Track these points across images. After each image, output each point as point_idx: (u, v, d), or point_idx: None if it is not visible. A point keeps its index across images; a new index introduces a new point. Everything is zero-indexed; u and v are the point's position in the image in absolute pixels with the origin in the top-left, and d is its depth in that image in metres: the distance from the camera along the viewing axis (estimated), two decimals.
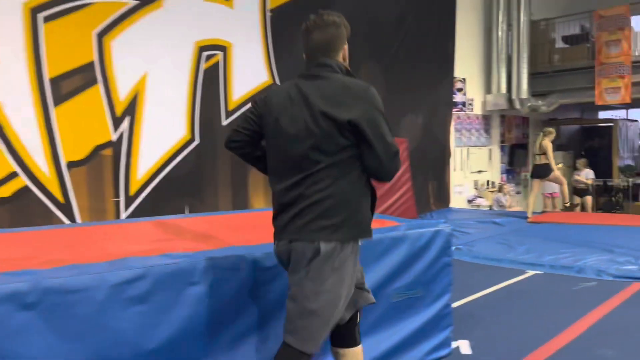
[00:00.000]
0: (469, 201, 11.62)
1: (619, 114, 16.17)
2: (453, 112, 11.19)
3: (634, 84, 10.60)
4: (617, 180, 12.83)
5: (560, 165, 11.37)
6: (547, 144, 8.78)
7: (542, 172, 8.79)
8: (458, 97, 11.39)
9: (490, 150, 12.47)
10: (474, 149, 11.93)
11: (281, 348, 1.96)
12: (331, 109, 1.95)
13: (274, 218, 2.10)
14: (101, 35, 5.59)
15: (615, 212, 12.43)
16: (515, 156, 13.34)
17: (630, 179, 12.77)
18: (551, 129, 9.12)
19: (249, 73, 7.03)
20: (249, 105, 2.42)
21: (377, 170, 2.02)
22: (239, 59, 6.90)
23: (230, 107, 6.82)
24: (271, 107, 2.10)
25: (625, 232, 6.74)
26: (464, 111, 11.61)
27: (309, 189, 1.95)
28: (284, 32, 7.41)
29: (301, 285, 1.94)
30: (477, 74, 11.97)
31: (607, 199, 12.79)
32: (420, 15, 9.84)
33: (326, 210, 1.93)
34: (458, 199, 11.37)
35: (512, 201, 11.10)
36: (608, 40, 10.80)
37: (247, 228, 3.45)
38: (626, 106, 15.35)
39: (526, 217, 8.31)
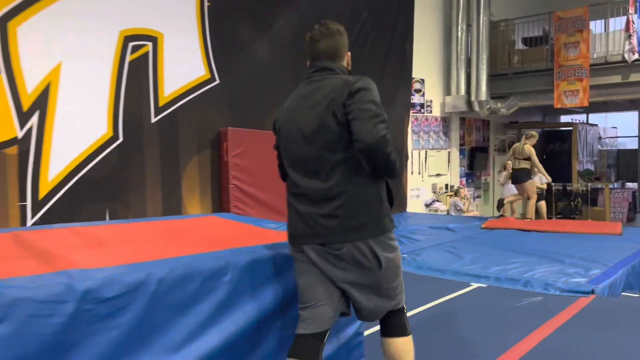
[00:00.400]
0: (427, 205, 11.29)
1: (580, 118, 16.16)
2: (411, 114, 10.84)
3: (593, 87, 10.43)
4: (577, 185, 12.69)
5: None
6: (530, 148, 8.58)
7: (520, 177, 8.60)
8: (416, 98, 11.06)
9: (449, 153, 12.17)
10: (433, 152, 11.61)
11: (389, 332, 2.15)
12: (333, 102, 2.05)
13: (300, 222, 2.17)
14: (5, 20, 4.98)
15: (574, 218, 12.28)
16: (476, 160, 13.10)
17: (590, 184, 12.65)
18: (533, 132, 8.89)
19: (184, 67, 6.50)
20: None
21: (367, 141, 2.07)
22: (172, 51, 6.36)
23: (162, 102, 6.28)
24: (282, 120, 2.29)
25: (579, 240, 6.45)
26: (422, 113, 11.27)
27: (335, 188, 2.06)
28: (224, 24, 6.90)
29: (377, 277, 2.12)
30: (436, 75, 11.66)
31: (566, 203, 12.64)
32: (376, 12, 9.45)
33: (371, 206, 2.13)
34: (415, 203, 11.02)
35: (469, 205, 10.80)
36: (567, 43, 10.62)
37: (155, 238, 2.94)
38: (587, 110, 15.33)
39: (481, 223, 8.00)
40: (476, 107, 11.49)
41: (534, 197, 8.73)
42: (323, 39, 2.24)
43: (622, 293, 4.69)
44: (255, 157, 7.13)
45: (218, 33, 6.86)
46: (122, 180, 5.88)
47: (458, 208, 10.45)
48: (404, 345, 2.15)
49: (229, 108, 7.04)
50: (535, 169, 8.67)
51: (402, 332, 2.18)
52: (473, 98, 11.45)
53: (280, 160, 2.36)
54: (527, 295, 4.35)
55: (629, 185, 15.15)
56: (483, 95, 11.35)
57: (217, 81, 6.87)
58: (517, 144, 8.93)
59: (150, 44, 6.14)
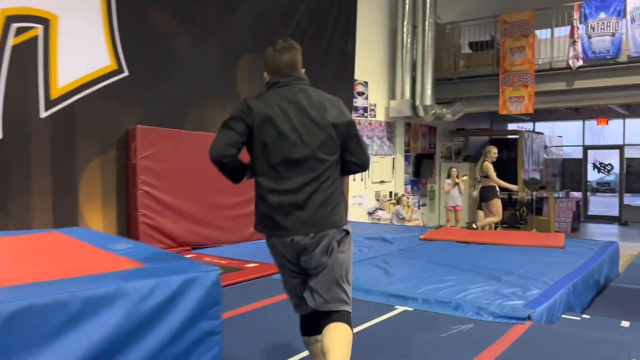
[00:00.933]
0: (369, 214, 10.75)
1: (527, 126, 16.06)
2: (354, 117, 10.26)
3: (538, 94, 10.15)
4: (522, 194, 12.43)
5: (464, 178, 10.76)
6: (488, 165, 8.48)
7: (485, 195, 8.54)
8: (359, 102, 10.52)
9: (393, 159, 11.69)
10: (376, 158, 11.08)
11: (330, 320, 2.33)
12: (328, 114, 2.40)
13: (279, 218, 2.32)
14: None
15: (519, 227, 12.01)
16: (422, 166, 12.68)
17: (535, 193, 12.42)
18: (491, 147, 8.77)
19: (84, 56, 5.69)
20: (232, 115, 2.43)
21: (364, 161, 2.50)
22: (68, 36, 5.55)
23: (54, 95, 5.45)
24: (264, 117, 2.35)
25: (519, 254, 5.98)
26: (366, 117, 10.74)
27: (321, 185, 2.34)
28: (136, 10, 6.14)
29: (335, 261, 2.36)
30: (381, 78, 11.17)
31: (512, 212, 12.36)
32: (315, 8, 8.85)
33: (338, 202, 2.42)
34: (358, 211, 10.45)
35: (412, 214, 10.31)
36: (512, 47, 10.32)
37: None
38: (533, 119, 15.23)
39: (421, 233, 7.49)
40: (421, 112, 11.06)
41: (499, 217, 8.53)
42: (285, 52, 2.53)
43: (562, 315, 4.20)
44: (171, 159, 6.37)
45: (128, 19, 6.08)
46: (2, 184, 5.02)
47: (400, 217, 9.94)
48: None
49: (140, 104, 6.27)
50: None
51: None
52: (418, 103, 11.01)
53: (253, 157, 2.43)
54: (456, 321, 3.77)
55: (574, 194, 15.09)
56: (428, 100, 10.93)
57: (126, 73, 6.09)
58: (478, 162, 8.81)
59: (40, 27, 5.31)
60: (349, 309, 2.42)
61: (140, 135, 6.07)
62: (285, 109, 2.36)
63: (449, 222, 10.39)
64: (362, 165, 2.49)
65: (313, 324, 2.44)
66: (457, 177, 10.31)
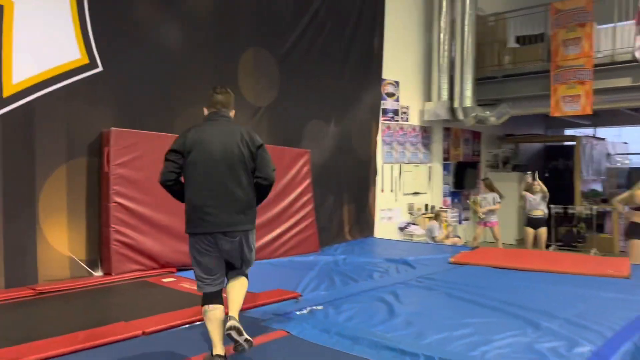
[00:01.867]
0: (401, 229, 9.59)
1: (588, 131, 14.40)
2: (382, 121, 9.20)
3: (597, 92, 8.74)
4: (580, 208, 10.91)
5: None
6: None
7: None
8: (389, 104, 9.43)
9: (430, 168, 10.49)
10: (409, 167, 9.94)
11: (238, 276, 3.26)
12: (249, 140, 3.20)
13: (204, 217, 3.09)
14: None
15: (576, 246, 10.49)
16: (466, 177, 11.40)
17: (595, 207, 10.86)
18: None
19: (46, 47, 4.94)
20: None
21: (269, 176, 3.26)
22: (27, 25, 4.81)
23: (7, 92, 4.70)
24: (195, 142, 3.16)
25: (571, 286, 4.74)
26: (396, 121, 9.63)
27: (239, 193, 3.14)
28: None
29: (248, 246, 3.24)
30: (414, 78, 10.03)
31: (568, 229, 10.86)
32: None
33: (249, 206, 3.20)
34: (387, 227, 9.33)
35: (449, 232, 9.07)
36: (566, 39, 8.96)
37: None
38: (594, 123, 13.60)
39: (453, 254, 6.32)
40: (460, 116, 9.83)
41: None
42: (221, 94, 3.41)
43: None
44: (152, 167, 5.49)
45: (102, 7, 5.31)
46: None
47: (433, 235, 8.74)
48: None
49: (117, 104, 5.47)
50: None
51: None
52: (457, 105, 9.80)
53: (177, 166, 3.20)
54: None
55: None
56: (468, 102, 9.70)
57: (100, 68, 5.30)
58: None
59: None
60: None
61: (114, 138, 5.26)
62: (215, 134, 3.18)
63: (478, 240, 9.16)
64: (268, 182, 3.29)
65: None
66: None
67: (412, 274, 5.37)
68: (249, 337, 2.95)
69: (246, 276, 3.30)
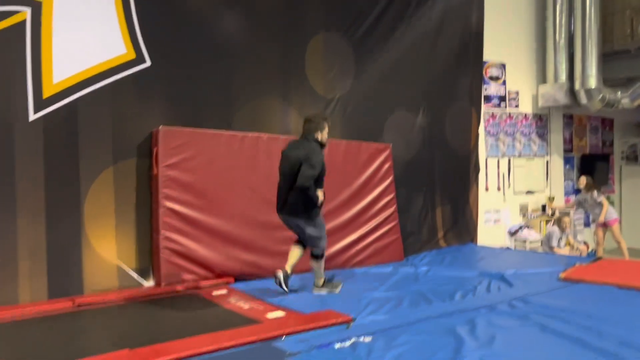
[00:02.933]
0: (511, 234, 8.32)
1: None
2: (485, 109, 8.03)
3: None
4: None
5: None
6: None
7: None
8: (493, 89, 8.22)
9: (547, 162, 9.04)
10: (521, 161, 8.62)
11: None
12: (303, 157, 4.30)
13: (280, 208, 4.52)
14: None
15: None
16: (595, 171, 9.71)
17: None
18: None
19: (89, 43, 4.67)
20: None
21: (299, 183, 4.23)
22: (67, 20, 4.56)
23: (47, 93, 4.48)
24: (282, 156, 4.58)
25: None
26: (503, 108, 8.37)
27: (289, 198, 4.41)
28: None
29: (306, 231, 4.51)
30: (525, 57, 8.69)
31: None
32: None
33: (296, 205, 4.40)
34: (493, 231, 8.14)
35: (571, 241, 7.60)
36: None
37: None
38: None
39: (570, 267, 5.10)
40: (583, 99, 8.31)
41: None
42: (307, 123, 4.52)
43: None
44: (206, 168, 5.08)
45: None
46: None
47: (551, 245, 7.37)
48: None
49: (167, 100, 5.08)
50: None
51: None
52: (578, 87, 8.29)
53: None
54: None
55: None
56: (592, 82, 8.15)
57: (148, 63, 4.94)
58: None
59: (27, 9, 4.39)
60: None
61: (163, 138, 4.86)
62: (290, 151, 4.48)
63: (600, 247, 7.60)
64: (298, 186, 4.30)
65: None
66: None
67: (505, 295, 4.31)
68: (285, 289, 4.41)
69: (313, 253, 4.64)
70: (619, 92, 8.34)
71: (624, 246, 7.55)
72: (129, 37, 4.85)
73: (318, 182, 4.35)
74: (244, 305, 4.21)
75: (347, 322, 3.68)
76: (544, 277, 4.95)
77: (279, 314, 3.94)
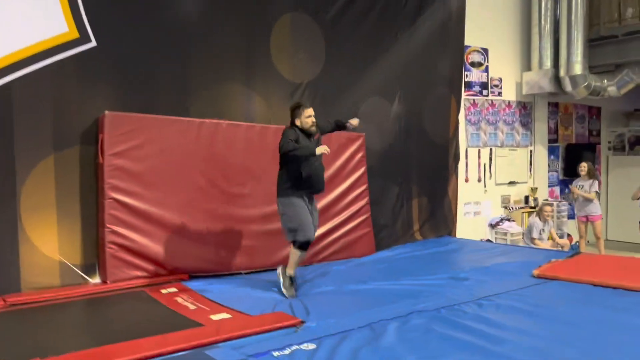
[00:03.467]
0: (492, 226, 8.04)
1: None
2: (465, 97, 7.71)
3: None
4: None
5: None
6: None
7: None
8: (474, 75, 7.89)
9: (531, 152, 8.74)
10: (503, 151, 8.31)
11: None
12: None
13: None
14: None
15: None
16: (578, 161, 9.38)
17: None
18: None
19: (24, 20, 4.29)
20: None
21: (279, 147, 4.17)
22: None
23: None
24: None
25: None
26: (485, 95, 8.04)
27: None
28: None
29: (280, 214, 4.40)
30: (508, 43, 8.35)
31: None
32: None
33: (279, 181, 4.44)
34: (473, 224, 7.86)
35: (552, 232, 7.28)
36: None
37: None
38: None
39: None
40: (568, 87, 7.99)
41: None
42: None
43: None
44: (155, 156, 4.72)
45: None
46: None
47: (531, 236, 7.07)
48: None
49: (115, 84, 4.72)
50: None
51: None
52: (563, 73, 7.97)
53: None
54: None
55: None
56: (578, 69, 7.83)
57: (93, 43, 4.57)
58: None
59: None
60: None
61: (109, 124, 4.50)
62: None
63: (581, 240, 7.33)
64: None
65: None
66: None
67: (470, 294, 4.00)
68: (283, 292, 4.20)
69: (294, 244, 4.28)
70: (605, 80, 8.03)
71: (602, 243, 7.28)
72: (71, 15, 4.47)
73: (305, 161, 4.20)
74: (190, 306, 3.90)
75: (295, 326, 3.37)
76: (517, 274, 4.65)
77: (224, 315, 3.63)
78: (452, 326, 3.23)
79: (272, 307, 3.85)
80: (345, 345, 2.94)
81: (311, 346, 2.95)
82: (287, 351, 2.87)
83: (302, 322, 3.42)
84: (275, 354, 2.85)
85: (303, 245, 4.26)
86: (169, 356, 2.87)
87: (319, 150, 4.14)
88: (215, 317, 3.59)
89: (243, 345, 3.03)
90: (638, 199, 6.93)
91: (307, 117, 4.31)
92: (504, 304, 3.74)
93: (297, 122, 4.31)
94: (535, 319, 3.35)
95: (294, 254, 4.29)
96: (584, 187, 7.17)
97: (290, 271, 4.30)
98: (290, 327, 3.34)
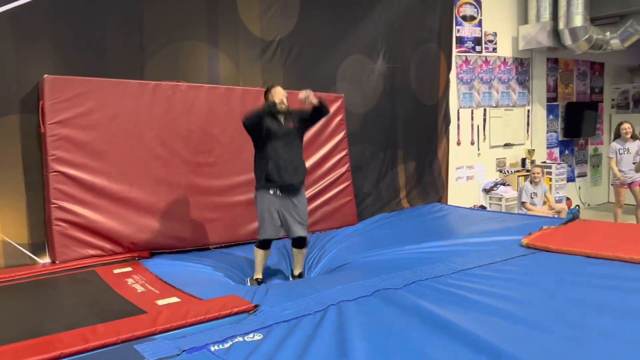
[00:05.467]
0: (486, 191, 7.62)
1: None
2: (456, 54, 7.17)
3: None
4: None
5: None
6: None
7: None
8: (466, 30, 7.33)
9: (528, 112, 8.25)
10: (498, 111, 7.82)
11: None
12: None
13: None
14: None
15: None
16: (581, 121, 8.91)
17: None
18: None
19: None
20: None
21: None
22: None
23: None
24: None
25: None
26: (478, 52, 7.50)
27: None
28: None
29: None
30: None
31: None
32: None
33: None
34: (466, 189, 7.44)
35: (543, 196, 6.82)
36: None
37: None
38: None
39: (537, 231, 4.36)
40: (568, 40, 7.43)
41: None
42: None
43: None
44: (106, 124, 4.30)
45: None
46: None
47: (522, 201, 6.63)
48: None
49: (58, 44, 4.24)
50: None
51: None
52: (562, 26, 7.40)
53: None
54: None
55: None
56: (578, 20, 7.25)
57: None
58: None
59: None
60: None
61: (50, 89, 4.06)
62: None
63: (619, 207, 6.81)
64: None
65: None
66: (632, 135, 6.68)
67: (450, 267, 3.61)
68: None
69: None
70: (608, 32, 7.45)
71: None
72: None
73: (270, 147, 3.83)
74: (139, 288, 3.53)
75: (248, 311, 3.00)
76: (506, 244, 4.25)
77: (173, 300, 3.26)
78: (417, 307, 2.83)
79: (230, 289, 3.49)
80: (296, 335, 2.56)
81: (257, 337, 2.57)
82: (227, 344, 2.50)
83: (256, 306, 3.04)
84: (213, 348, 2.47)
85: (261, 244, 3.92)
86: (92, 352, 2.50)
87: (272, 99, 3.81)
88: (162, 302, 3.21)
89: (183, 335, 2.66)
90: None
91: (275, 96, 3.85)
92: (485, 275, 3.35)
93: None
94: (516, 298, 2.95)
95: (255, 252, 3.97)
96: (629, 150, 6.66)
97: (256, 275, 3.95)
98: (241, 313, 2.96)
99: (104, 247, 4.27)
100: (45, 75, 4.05)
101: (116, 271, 3.96)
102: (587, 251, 3.75)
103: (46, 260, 4.22)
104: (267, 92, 3.97)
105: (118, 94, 4.34)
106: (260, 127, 3.77)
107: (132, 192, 4.37)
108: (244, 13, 5.17)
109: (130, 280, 3.72)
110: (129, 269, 4.01)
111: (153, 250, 4.46)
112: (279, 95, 3.85)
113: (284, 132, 3.83)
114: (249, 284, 3.91)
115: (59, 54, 4.24)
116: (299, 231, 3.87)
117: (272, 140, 3.80)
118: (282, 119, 3.88)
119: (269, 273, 4.17)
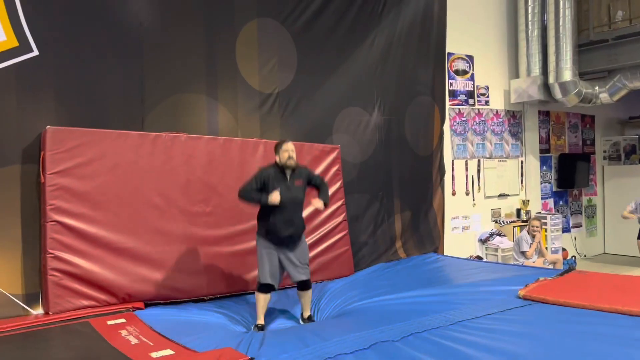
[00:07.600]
0: (482, 242, 7.62)
1: None
2: (449, 106, 7.35)
3: None
4: None
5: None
6: None
7: None
8: (459, 84, 7.53)
9: (521, 163, 8.36)
10: (492, 162, 7.93)
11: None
12: None
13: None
14: None
15: None
16: (574, 172, 9.04)
17: None
18: None
19: None
20: None
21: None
22: None
23: None
24: None
25: None
26: (471, 105, 7.69)
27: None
28: None
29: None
30: (495, 49, 8.02)
31: None
32: None
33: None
34: (462, 239, 7.45)
35: (538, 246, 6.78)
36: None
37: None
38: None
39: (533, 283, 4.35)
40: (558, 94, 7.64)
41: None
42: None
43: None
44: (105, 174, 4.34)
45: None
46: None
47: (521, 250, 6.63)
48: None
49: (61, 97, 4.35)
50: None
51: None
52: (552, 80, 7.62)
53: None
54: None
55: None
56: (567, 75, 7.48)
57: (34, 52, 4.22)
58: None
59: None
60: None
61: (51, 139, 4.13)
62: None
63: None
64: None
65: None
66: None
67: (446, 318, 3.59)
68: None
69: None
70: (597, 86, 7.68)
71: None
72: (9, 21, 4.12)
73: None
74: (133, 340, 3.48)
75: None
76: (503, 295, 4.24)
77: (167, 352, 3.21)
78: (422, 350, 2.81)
79: (225, 341, 3.44)
80: None
81: None
82: None
83: (251, 359, 3.01)
84: None
85: (261, 288, 4.05)
86: None
87: (271, 199, 3.90)
88: (156, 354, 3.17)
89: None
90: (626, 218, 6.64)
91: (284, 152, 4.06)
92: (483, 328, 3.32)
93: (277, 159, 4.11)
94: (515, 346, 2.93)
95: (256, 297, 4.09)
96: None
97: (258, 321, 4.03)
98: None
99: (98, 298, 4.23)
100: (48, 127, 4.13)
101: (110, 322, 3.91)
102: (584, 303, 3.74)
103: (39, 311, 4.17)
104: (277, 147, 4.13)
105: (118, 145, 4.41)
106: (265, 190, 3.97)
107: (128, 242, 4.37)
108: (243, 67, 5.33)
109: (124, 332, 3.67)
110: (123, 320, 3.97)
111: (148, 301, 4.42)
112: (288, 152, 4.03)
113: (290, 197, 4.01)
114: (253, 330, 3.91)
115: (61, 105, 4.33)
116: (301, 275, 4.05)
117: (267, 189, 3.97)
118: (288, 174, 4.06)
119: (276, 315, 4.17)
